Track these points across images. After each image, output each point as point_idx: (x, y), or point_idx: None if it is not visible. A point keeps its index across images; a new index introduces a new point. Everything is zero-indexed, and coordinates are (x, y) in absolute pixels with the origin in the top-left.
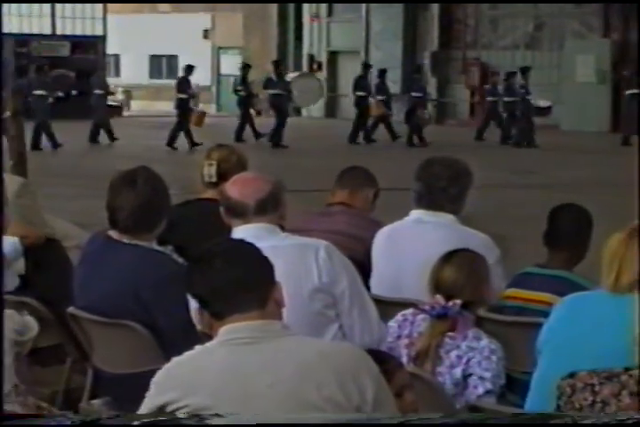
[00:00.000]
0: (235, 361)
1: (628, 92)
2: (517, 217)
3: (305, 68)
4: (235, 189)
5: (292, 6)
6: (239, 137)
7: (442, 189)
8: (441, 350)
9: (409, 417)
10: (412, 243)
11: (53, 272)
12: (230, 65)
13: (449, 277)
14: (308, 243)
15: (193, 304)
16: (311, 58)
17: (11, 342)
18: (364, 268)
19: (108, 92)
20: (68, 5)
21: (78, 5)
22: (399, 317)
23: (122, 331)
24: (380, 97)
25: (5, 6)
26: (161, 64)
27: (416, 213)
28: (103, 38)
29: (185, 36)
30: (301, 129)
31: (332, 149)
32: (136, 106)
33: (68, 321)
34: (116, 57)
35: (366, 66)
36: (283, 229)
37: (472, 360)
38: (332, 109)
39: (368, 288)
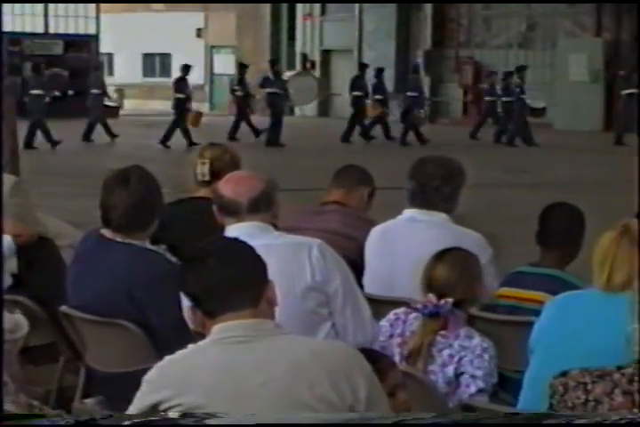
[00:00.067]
0: (227, 360)
1: (624, 92)
2: (510, 216)
3: (298, 67)
4: (228, 187)
5: (285, 5)
6: (233, 136)
7: (435, 188)
8: (433, 349)
9: (402, 417)
10: (405, 241)
11: (46, 271)
12: (223, 64)
13: (441, 275)
14: (302, 241)
15: (185, 303)
16: (304, 57)
17: None
18: (357, 266)
19: (106, 92)
20: (60, 4)
21: (71, 4)
22: (391, 315)
23: (115, 330)
24: (377, 96)
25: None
26: (154, 63)
27: (409, 212)
28: (96, 37)
29: (178, 35)
30: (295, 128)
31: (325, 148)
32: (129, 105)
33: (60, 320)
34: (110, 56)
35: (362, 65)
36: (276, 227)
37: (464, 359)
38: (325, 108)
39: (361, 287)
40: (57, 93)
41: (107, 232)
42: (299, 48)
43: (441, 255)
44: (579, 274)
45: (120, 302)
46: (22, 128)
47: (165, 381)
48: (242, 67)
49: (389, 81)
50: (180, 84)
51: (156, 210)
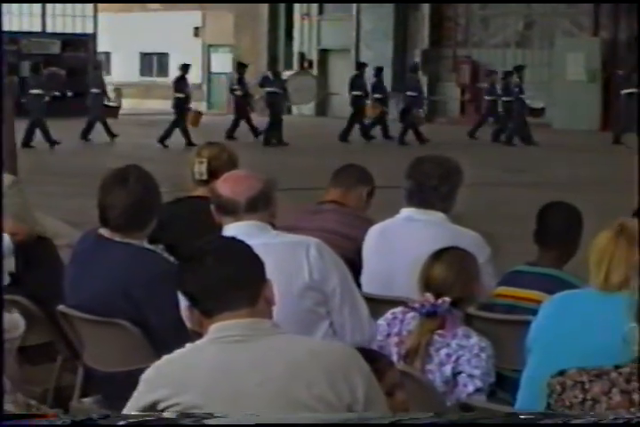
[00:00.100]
0: (225, 359)
1: (624, 91)
2: (508, 215)
3: (296, 66)
4: (226, 186)
5: (282, 5)
6: (231, 135)
7: (433, 187)
8: (430, 348)
9: (400, 417)
10: (402, 241)
11: (44, 270)
12: (221, 63)
13: (439, 275)
14: (299, 240)
15: (183, 302)
16: (302, 56)
17: None
18: (355, 266)
19: (105, 91)
20: (58, 3)
21: (68, 3)
22: (389, 315)
23: (113, 329)
24: (376, 95)
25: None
26: (151, 62)
27: (407, 211)
28: (93, 36)
29: (175, 34)
30: (293, 127)
31: (324, 148)
32: (126, 104)
33: (58, 319)
34: (107, 55)
35: (361, 65)
36: (274, 227)
37: (461, 358)
38: (322, 108)
39: (359, 286)
40: (57, 93)
41: (105, 232)
42: (296, 47)
43: (438, 255)
44: (576, 273)
45: (118, 301)
46: (21, 128)
47: (163, 380)
48: (241, 66)
49: (387, 80)
50: (180, 83)
51: (154, 209)
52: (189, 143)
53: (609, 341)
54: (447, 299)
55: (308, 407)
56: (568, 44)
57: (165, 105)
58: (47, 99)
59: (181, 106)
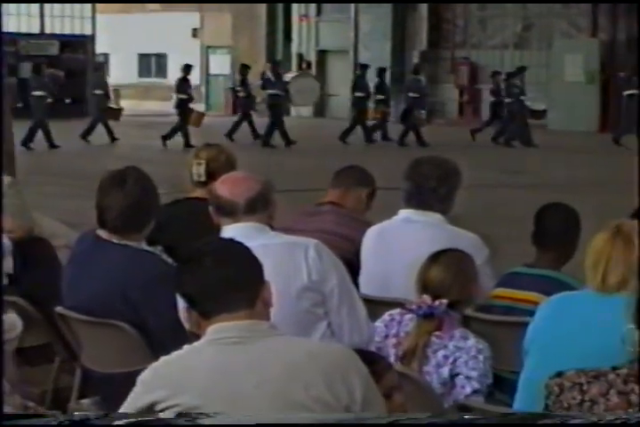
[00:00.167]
0: (223, 361)
1: (625, 92)
2: (506, 217)
3: (294, 67)
4: (225, 188)
5: (280, 6)
6: (230, 135)
7: (431, 188)
8: (428, 350)
9: (397, 417)
10: (400, 242)
11: (41, 271)
12: (219, 64)
13: (436, 276)
14: (298, 241)
15: (181, 303)
16: (300, 57)
17: None
18: (353, 267)
19: (108, 93)
20: (56, 4)
21: (67, 4)
22: (386, 316)
23: (110, 331)
24: (379, 96)
25: None
26: (150, 63)
27: (405, 213)
28: (92, 37)
29: (174, 35)
30: (291, 129)
31: (322, 149)
32: (125, 105)
33: (56, 320)
34: (105, 56)
35: (363, 66)
36: (272, 228)
37: (459, 360)
38: (321, 109)
39: (356, 287)
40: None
41: (102, 233)
42: (295, 48)
43: (436, 256)
44: (574, 275)
45: (115, 302)
46: (21, 129)
47: (160, 381)
48: (244, 67)
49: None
50: (182, 84)
51: (152, 211)
52: (188, 144)
53: (607, 342)
54: (444, 301)
55: (306, 409)
56: (566, 45)
57: (164, 106)
58: (50, 100)
59: (184, 107)
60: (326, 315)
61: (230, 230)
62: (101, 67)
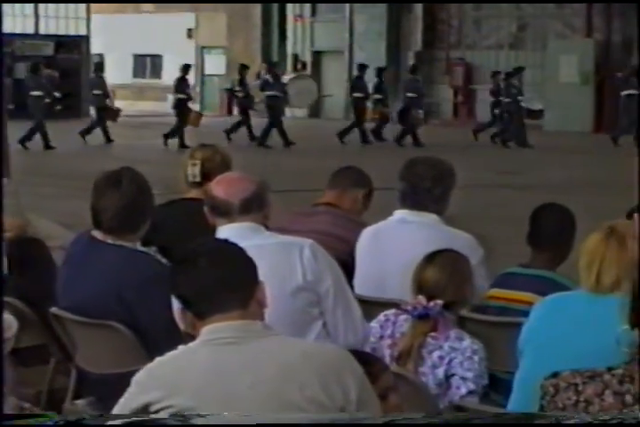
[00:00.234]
0: (217, 361)
1: (623, 92)
2: (501, 217)
3: (289, 68)
4: (220, 188)
5: (275, 6)
6: (229, 134)
7: (426, 189)
8: (423, 351)
9: (393, 417)
10: (396, 243)
11: (36, 272)
12: (214, 65)
13: (431, 277)
14: (293, 241)
15: (176, 304)
16: (295, 58)
17: None
18: (348, 268)
19: (107, 93)
20: (51, 5)
21: (61, 5)
22: (381, 317)
23: (105, 331)
24: (377, 96)
25: None
26: (145, 63)
27: (400, 213)
28: (87, 38)
29: (169, 36)
30: (287, 130)
31: (318, 149)
32: (119, 105)
33: (51, 321)
34: (100, 56)
35: (362, 66)
36: (267, 228)
37: (454, 361)
38: (316, 110)
39: (352, 288)
40: (57, 95)
41: (97, 234)
42: (290, 49)
43: (431, 257)
44: (570, 275)
45: (110, 303)
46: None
47: (155, 382)
48: (242, 67)
49: None
50: (181, 84)
51: (147, 212)
52: (183, 145)
53: (601, 343)
54: (439, 301)
55: (301, 409)
56: (561, 45)
57: (158, 107)
58: (48, 100)
59: (182, 107)
60: (321, 315)
61: (225, 231)
62: (101, 67)
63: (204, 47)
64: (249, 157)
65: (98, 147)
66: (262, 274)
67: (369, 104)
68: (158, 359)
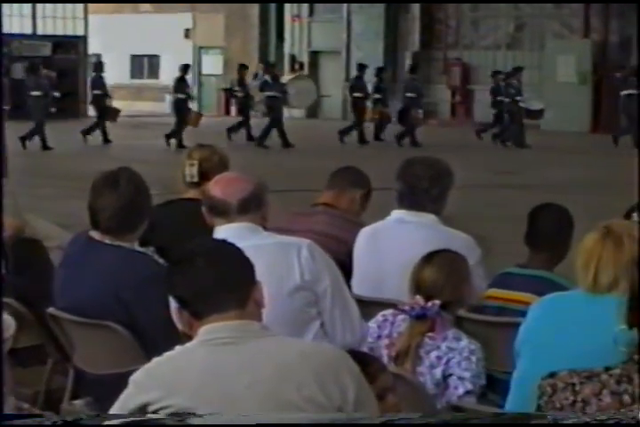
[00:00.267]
0: (214, 361)
1: (623, 92)
2: (499, 217)
3: (287, 68)
4: (218, 188)
5: (273, 6)
6: (231, 133)
7: (424, 189)
8: (421, 351)
9: (391, 417)
10: (393, 243)
11: (34, 272)
12: (212, 65)
13: (429, 277)
14: (291, 241)
15: (173, 304)
16: (293, 58)
17: None
18: (345, 268)
19: (107, 93)
20: (48, 5)
21: (59, 5)
22: (379, 317)
23: (103, 332)
24: (377, 96)
25: None
26: (142, 64)
27: (397, 213)
28: (84, 38)
29: (166, 36)
30: (285, 130)
31: (316, 150)
32: (116, 105)
33: (48, 322)
34: (98, 57)
35: (362, 66)
36: (265, 229)
37: (452, 361)
38: (313, 110)
39: (349, 288)
40: (57, 94)
41: (95, 234)
42: (287, 49)
43: (429, 257)
44: (567, 275)
45: (108, 303)
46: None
47: (153, 382)
48: (242, 67)
49: None
50: (181, 83)
51: (145, 212)
52: (180, 145)
53: (598, 342)
54: (437, 302)
55: (298, 409)
56: (558, 46)
57: (156, 107)
58: (48, 100)
59: (182, 106)
60: (319, 315)
61: (223, 231)
62: (101, 66)
63: (201, 47)
64: (247, 156)
65: (96, 147)
66: (260, 274)
67: (368, 104)
68: (156, 360)
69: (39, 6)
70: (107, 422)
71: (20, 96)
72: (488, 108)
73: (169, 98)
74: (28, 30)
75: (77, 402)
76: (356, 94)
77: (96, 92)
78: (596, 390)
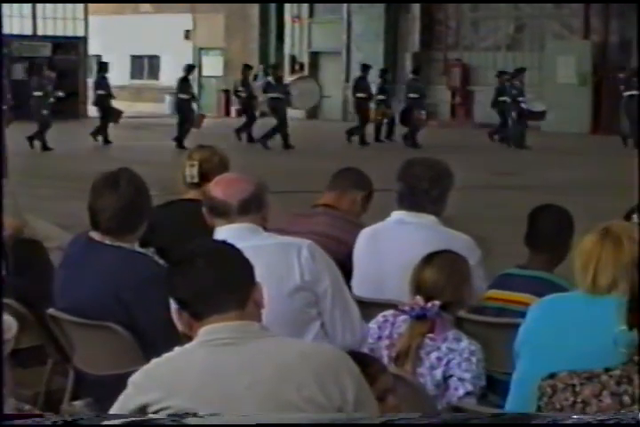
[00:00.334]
0: (214, 362)
1: (626, 93)
2: (499, 218)
3: (287, 69)
4: (218, 188)
5: (273, 7)
6: (239, 133)
7: (424, 190)
8: (421, 352)
9: (391, 417)
10: (393, 244)
11: (34, 273)
12: (212, 66)
13: (429, 278)
14: (291, 242)
15: (173, 305)
16: (293, 59)
17: None
18: (346, 269)
19: (111, 93)
20: (48, 6)
21: (59, 6)
22: (379, 318)
23: (103, 333)
24: (380, 96)
25: None
26: (142, 64)
27: (397, 214)
28: (84, 39)
29: (166, 37)
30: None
31: (316, 150)
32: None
33: (48, 322)
34: (98, 57)
35: (365, 67)
36: (265, 230)
37: (452, 362)
38: (313, 111)
39: (350, 289)
40: (60, 94)
41: (95, 235)
42: (287, 50)
43: (429, 258)
44: (567, 276)
45: (108, 304)
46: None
47: (153, 383)
48: (246, 68)
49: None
50: (184, 84)
51: (145, 213)
52: (180, 146)
53: (598, 343)
54: (437, 302)
55: (298, 409)
56: (558, 46)
57: (156, 108)
58: (52, 100)
59: (185, 107)
60: (319, 315)
61: (223, 231)
62: (105, 67)
63: (201, 48)
64: (248, 157)
65: (96, 148)
66: (260, 274)
67: (371, 105)
68: (154, 361)
69: (39, 7)
70: (106, 423)
71: (20, 97)
72: (488, 109)
73: (168, 99)
74: (28, 31)
75: (77, 403)
76: (359, 95)
77: (100, 92)
78: (595, 391)
